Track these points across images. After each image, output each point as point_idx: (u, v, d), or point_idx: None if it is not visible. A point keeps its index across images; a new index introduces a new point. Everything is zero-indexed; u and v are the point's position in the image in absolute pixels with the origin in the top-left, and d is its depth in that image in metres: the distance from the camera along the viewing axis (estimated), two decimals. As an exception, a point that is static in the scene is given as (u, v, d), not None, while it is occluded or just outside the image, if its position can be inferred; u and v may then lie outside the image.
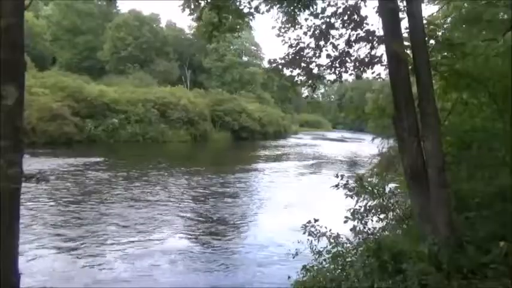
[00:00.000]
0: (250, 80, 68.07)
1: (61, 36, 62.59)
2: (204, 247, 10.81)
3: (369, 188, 6.68)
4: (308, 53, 6.41)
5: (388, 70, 5.38)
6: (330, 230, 6.24)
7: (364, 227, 6.50)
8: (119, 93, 38.37)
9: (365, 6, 6.27)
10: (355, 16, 6.23)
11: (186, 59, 66.00)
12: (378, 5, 5.61)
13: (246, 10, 6.73)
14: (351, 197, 6.63)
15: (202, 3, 6.51)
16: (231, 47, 65.68)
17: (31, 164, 19.62)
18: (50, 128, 29.37)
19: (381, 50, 6.10)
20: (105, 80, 48.24)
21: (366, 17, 6.30)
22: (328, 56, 6.36)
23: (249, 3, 6.64)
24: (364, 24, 6.25)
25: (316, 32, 6.41)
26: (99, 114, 34.88)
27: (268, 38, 75.83)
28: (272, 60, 6.56)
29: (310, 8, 6.58)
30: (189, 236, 11.70)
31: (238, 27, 7.06)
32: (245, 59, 72.14)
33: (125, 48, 60.08)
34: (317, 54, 6.48)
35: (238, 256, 10.22)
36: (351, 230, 6.39)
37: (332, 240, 6.15)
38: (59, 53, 62.46)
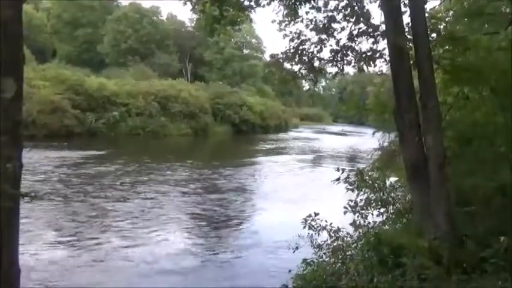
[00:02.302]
0: (251, 73, 67.89)
1: (61, 29, 62.40)
2: (203, 241, 10.83)
3: (370, 182, 6.69)
4: (309, 47, 6.38)
5: (390, 64, 5.36)
6: (330, 224, 6.25)
7: (364, 221, 6.52)
8: (119, 86, 38.28)
9: (370, 3, 6.23)
10: (358, 10, 6.18)
11: (186, 51, 65.77)
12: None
13: (246, 3, 6.69)
14: (352, 191, 6.64)
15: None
16: (232, 40, 65.39)
17: (31, 156, 19.67)
18: (50, 121, 29.34)
19: (382, 44, 6.08)
20: (105, 72, 48.12)
21: (368, 10, 6.26)
22: (331, 50, 6.34)
23: (249, -4, 6.60)
24: (367, 19, 6.21)
25: (318, 26, 6.38)
26: (99, 107, 34.82)
27: (270, 30, 75.55)
28: (273, 55, 6.54)
29: (312, 1, 6.54)
30: (189, 230, 11.72)
31: (239, 20, 7.02)
32: (246, 52, 71.89)
33: (125, 41, 59.90)
34: (318, 48, 6.45)
35: (237, 250, 10.24)
36: (351, 224, 6.41)
37: (332, 234, 6.17)
38: (59, 46, 62.30)
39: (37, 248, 9.20)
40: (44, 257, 8.85)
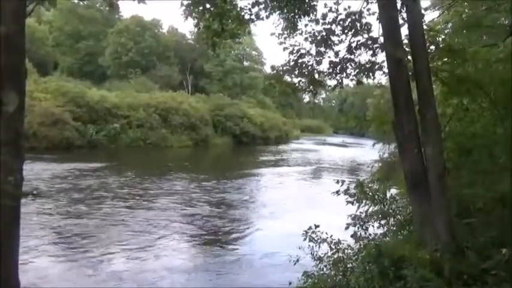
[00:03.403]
0: (251, 85, 68.21)
1: (63, 41, 62.88)
2: (205, 253, 10.78)
3: (370, 193, 6.68)
4: (309, 60, 6.43)
5: (388, 76, 5.40)
6: (331, 236, 6.24)
7: (365, 233, 6.51)
8: (120, 98, 38.40)
9: (369, 15, 6.30)
10: (357, 23, 6.24)
11: (187, 63, 66.17)
12: (378, 11, 5.63)
13: (246, 16, 6.77)
14: (352, 203, 6.63)
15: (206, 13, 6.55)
16: (232, 52, 65.80)
17: (33, 168, 19.59)
18: (51, 133, 29.39)
19: (381, 56, 6.12)
20: (106, 85, 48.37)
21: (367, 23, 6.32)
22: (331, 62, 6.38)
23: (249, 10, 6.68)
24: (366, 31, 6.27)
25: (317, 38, 6.43)
26: (100, 119, 34.89)
27: (270, 43, 76.07)
28: (274, 67, 6.59)
29: (311, 14, 6.61)
30: (190, 242, 11.67)
31: (239, 33, 7.09)
32: (246, 64, 72.34)
33: (126, 54, 60.32)
34: (318, 60, 6.49)
35: (238, 262, 10.18)
36: (352, 236, 6.40)
37: (333, 246, 6.15)
38: (60, 58, 62.69)
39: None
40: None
